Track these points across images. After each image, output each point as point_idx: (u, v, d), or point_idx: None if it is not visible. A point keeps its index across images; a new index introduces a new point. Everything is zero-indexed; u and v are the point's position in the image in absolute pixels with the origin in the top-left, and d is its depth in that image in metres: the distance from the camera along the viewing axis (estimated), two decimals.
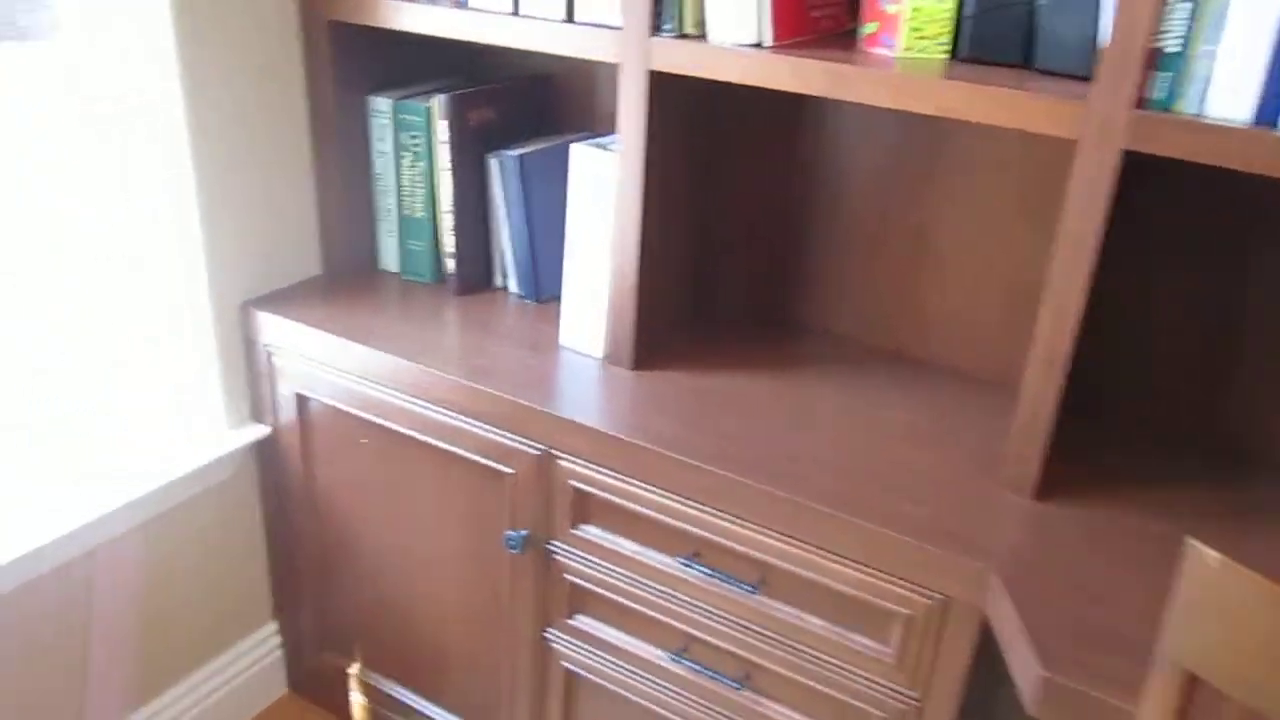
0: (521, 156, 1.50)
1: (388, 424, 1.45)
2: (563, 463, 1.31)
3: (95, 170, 1.42)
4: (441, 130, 1.50)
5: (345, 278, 1.64)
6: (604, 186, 1.33)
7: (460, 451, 1.39)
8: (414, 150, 1.56)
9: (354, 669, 1.62)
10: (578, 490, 1.31)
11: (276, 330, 1.50)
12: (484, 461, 1.38)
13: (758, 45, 1.18)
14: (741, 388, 1.38)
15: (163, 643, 1.57)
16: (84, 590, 1.42)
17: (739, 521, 1.20)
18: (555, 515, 1.35)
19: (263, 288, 1.56)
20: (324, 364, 1.47)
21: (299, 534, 1.66)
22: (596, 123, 1.63)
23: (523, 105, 1.62)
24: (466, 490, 1.43)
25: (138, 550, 1.48)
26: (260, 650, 1.74)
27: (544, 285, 1.59)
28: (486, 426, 1.35)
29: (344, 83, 1.54)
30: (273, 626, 1.76)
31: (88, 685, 1.47)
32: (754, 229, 1.55)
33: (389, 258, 1.66)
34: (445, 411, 1.38)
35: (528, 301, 1.59)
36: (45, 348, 1.43)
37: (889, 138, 1.40)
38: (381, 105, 1.57)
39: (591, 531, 1.33)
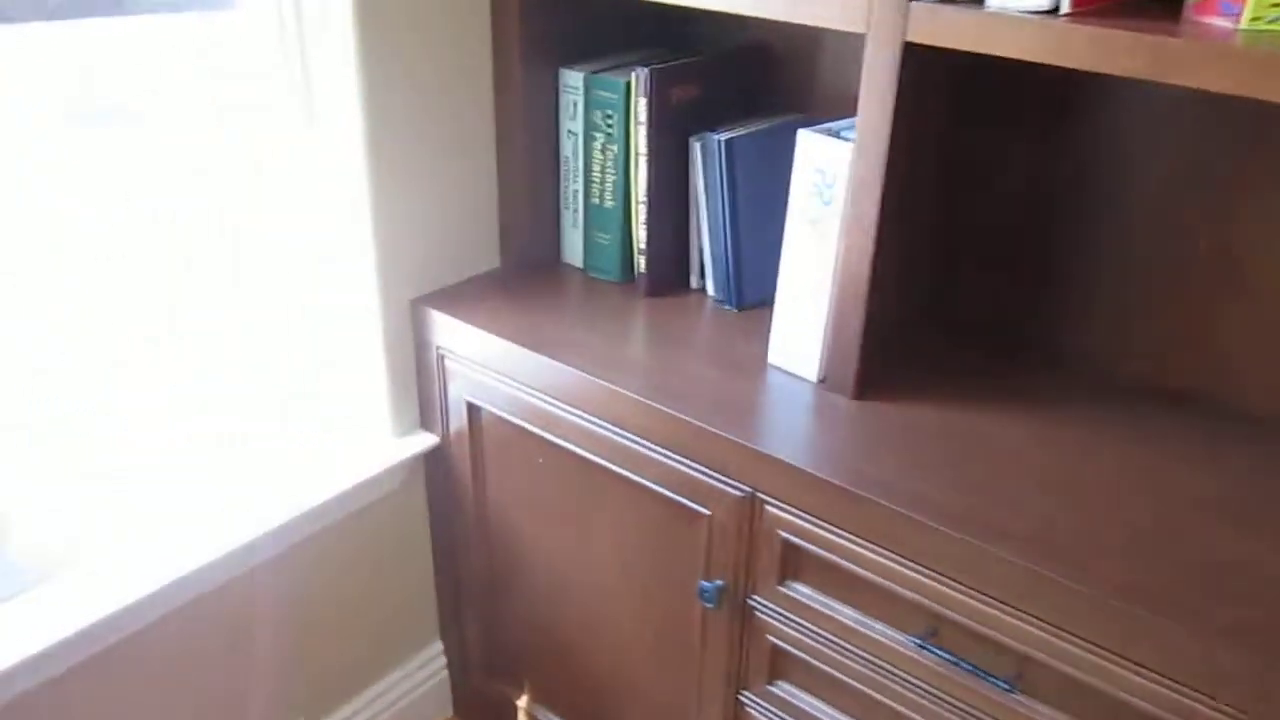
0: (730, 140, 1.30)
1: (567, 445, 1.28)
2: (772, 509, 1.11)
3: (259, 155, 1.29)
4: (640, 109, 1.31)
5: (525, 273, 1.47)
6: (834, 181, 1.11)
7: (649, 484, 1.21)
8: (607, 131, 1.37)
9: (522, 702, 1.48)
10: (788, 542, 1.11)
11: (449, 332, 1.35)
12: (676, 498, 1.19)
13: (1051, 12, 0.93)
14: (988, 429, 1.14)
15: (327, 661, 1.46)
16: (246, 608, 1.31)
17: (992, 601, 0.97)
18: (759, 567, 1.15)
19: (435, 282, 1.41)
20: (499, 373, 1.31)
21: (467, 552, 1.52)
22: (816, 104, 1.40)
23: (730, 81, 1.41)
24: (654, 527, 1.24)
25: (300, 567, 1.37)
26: (426, 670, 1.62)
27: (746, 290, 1.38)
28: (681, 458, 1.16)
29: (532, 52, 1.36)
30: (439, 646, 1.64)
31: (250, 707, 1.37)
32: (1004, 236, 1.30)
33: (573, 251, 1.49)
34: (633, 437, 1.20)
35: (726, 308, 1.39)
36: (210, 350, 1.32)
37: (1188, 135, 1.13)
38: (573, 80, 1.39)
39: (802, 591, 1.13)
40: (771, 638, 1.18)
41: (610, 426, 1.22)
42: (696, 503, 1.17)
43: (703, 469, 1.15)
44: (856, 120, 1.06)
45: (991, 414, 1.17)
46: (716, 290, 1.40)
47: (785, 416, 1.15)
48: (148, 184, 1.20)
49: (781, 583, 1.14)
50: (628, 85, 1.34)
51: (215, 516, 1.27)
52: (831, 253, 1.14)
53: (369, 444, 1.42)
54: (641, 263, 1.40)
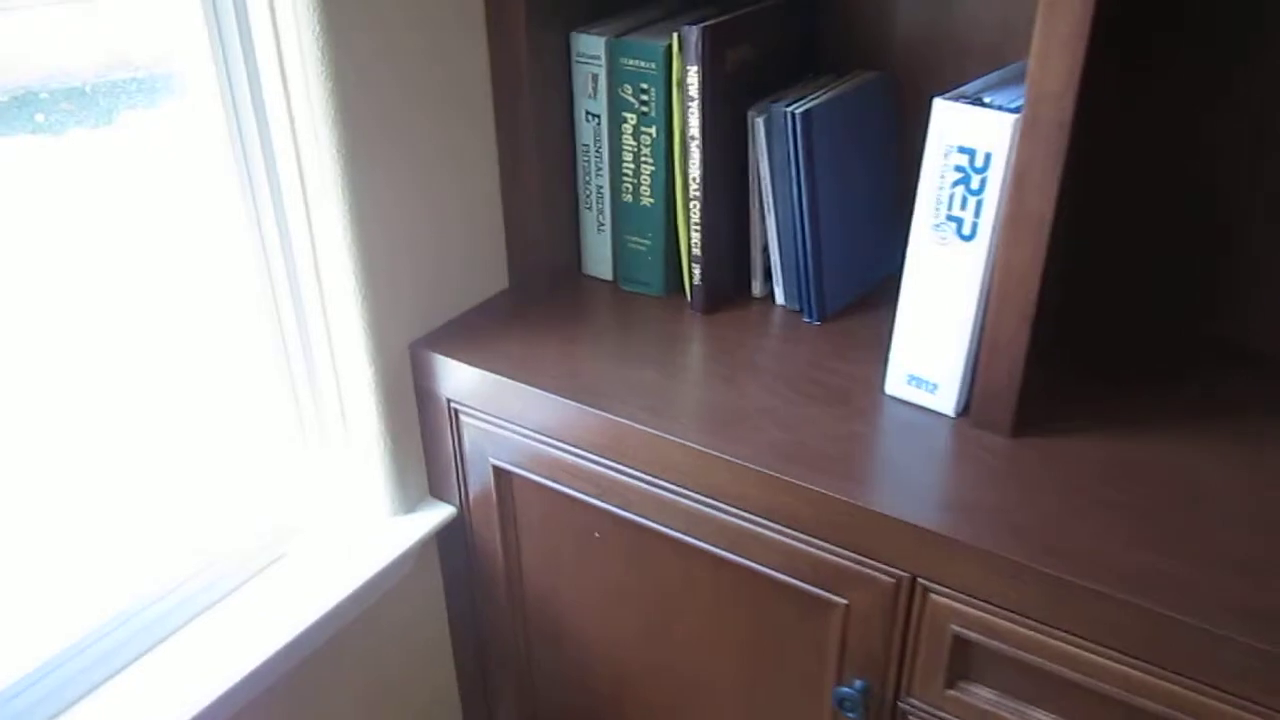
0: (806, 112, 1.02)
1: (633, 516, 1.00)
2: (939, 597, 0.86)
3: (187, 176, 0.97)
4: (691, 80, 1.02)
5: (543, 292, 1.18)
6: (986, 167, 0.85)
7: (755, 566, 0.95)
8: (641, 110, 1.08)
9: None
10: (961, 638, 0.86)
11: (461, 380, 1.06)
12: (797, 584, 0.93)
13: None
14: (1178, 459, 0.91)
15: None
16: None
17: (1234, 699, 0.74)
18: (917, 665, 0.90)
19: (435, 316, 1.11)
20: (533, 430, 1.03)
21: (499, 642, 1.24)
22: (898, 58, 1.13)
23: (786, 35, 1.12)
24: (765, 617, 0.99)
25: (287, 706, 1.08)
26: None
27: (829, 297, 1.11)
28: (803, 536, 0.90)
29: (535, 16, 1.06)
30: None
31: None
32: (1186, 212, 1.05)
33: (599, 260, 1.20)
34: (731, 509, 0.93)
35: (805, 320, 1.12)
36: (131, 422, 1.00)
37: None
38: (590, 46, 1.09)
39: (980, 695, 0.89)
40: None
41: (694, 495, 0.95)
42: (828, 590, 0.92)
43: (836, 549, 0.89)
44: (1028, 77, 0.79)
45: (1177, 439, 0.93)
46: (788, 298, 1.13)
47: (931, 468, 0.89)
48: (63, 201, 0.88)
49: (952, 685, 0.89)
50: (668, 51, 1.04)
51: (175, 660, 0.97)
52: (980, 260, 0.88)
53: (365, 530, 1.12)
54: (696, 272, 1.11)
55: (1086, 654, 0.80)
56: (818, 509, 0.88)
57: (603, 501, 1.03)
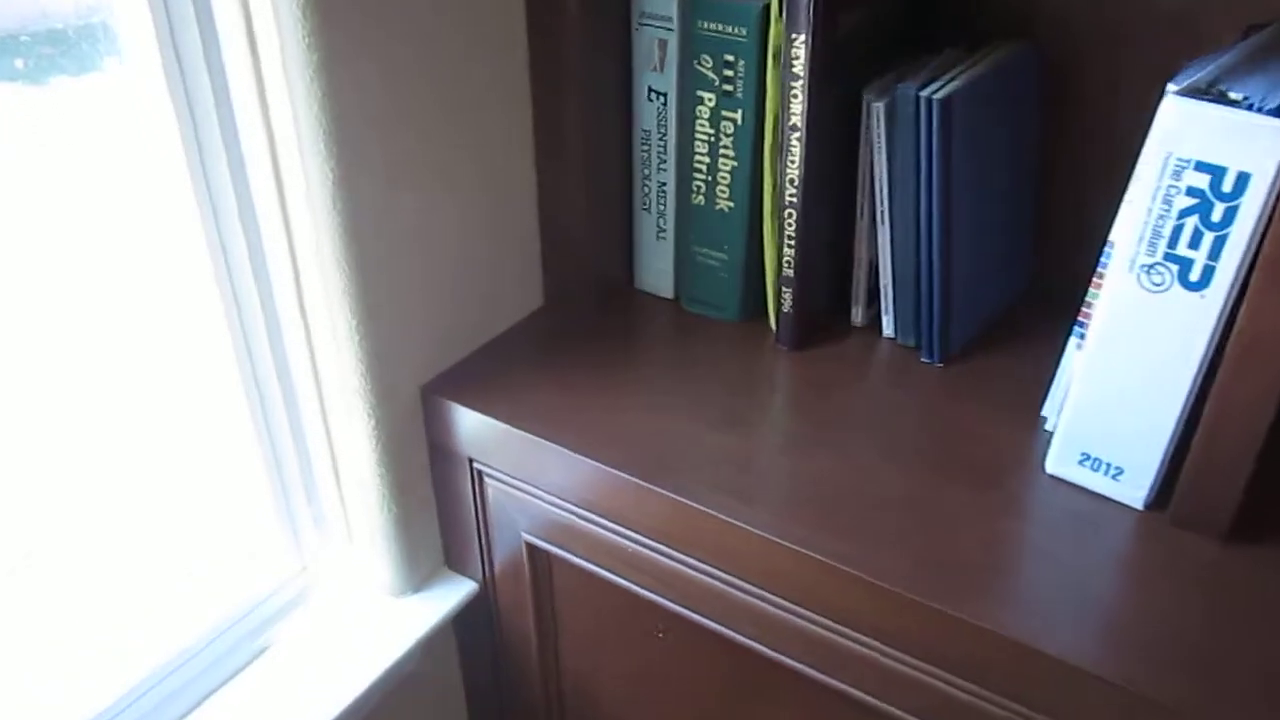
0: (947, 99, 0.77)
1: (699, 618, 0.78)
2: None
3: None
4: (796, 51, 0.77)
5: (585, 313, 0.94)
6: (1240, 192, 0.61)
7: (873, 702, 0.72)
8: (723, 89, 0.83)
9: None
10: None
11: (483, 435, 0.82)
12: None
13: None
14: None
15: None
16: None
17: None
18: None
19: (453, 349, 0.87)
20: (570, 503, 0.80)
21: None
22: (1042, 24, 0.88)
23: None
24: None
25: None
26: None
27: (955, 331, 0.88)
28: (946, 676, 0.68)
29: None
30: None
31: None
32: None
33: (656, 274, 0.96)
34: (842, 630, 0.70)
35: (924, 360, 0.88)
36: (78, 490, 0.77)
37: None
38: (658, 5, 0.84)
39: None
40: None
41: (791, 606, 0.72)
42: None
43: (992, 696, 0.67)
44: None
45: None
46: (901, 331, 0.90)
47: (1131, 592, 0.66)
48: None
49: None
50: (764, 12, 0.79)
51: None
52: (1211, 316, 0.64)
53: (366, 614, 0.90)
54: (786, 297, 0.87)
55: None
56: (970, 644, 0.65)
57: (661, 597, 0.80)
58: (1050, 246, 0.96)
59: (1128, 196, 0.65)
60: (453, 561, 0.94)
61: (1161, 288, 0.65)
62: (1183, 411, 0.68)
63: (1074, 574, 0.68)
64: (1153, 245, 0.65)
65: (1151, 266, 0.65)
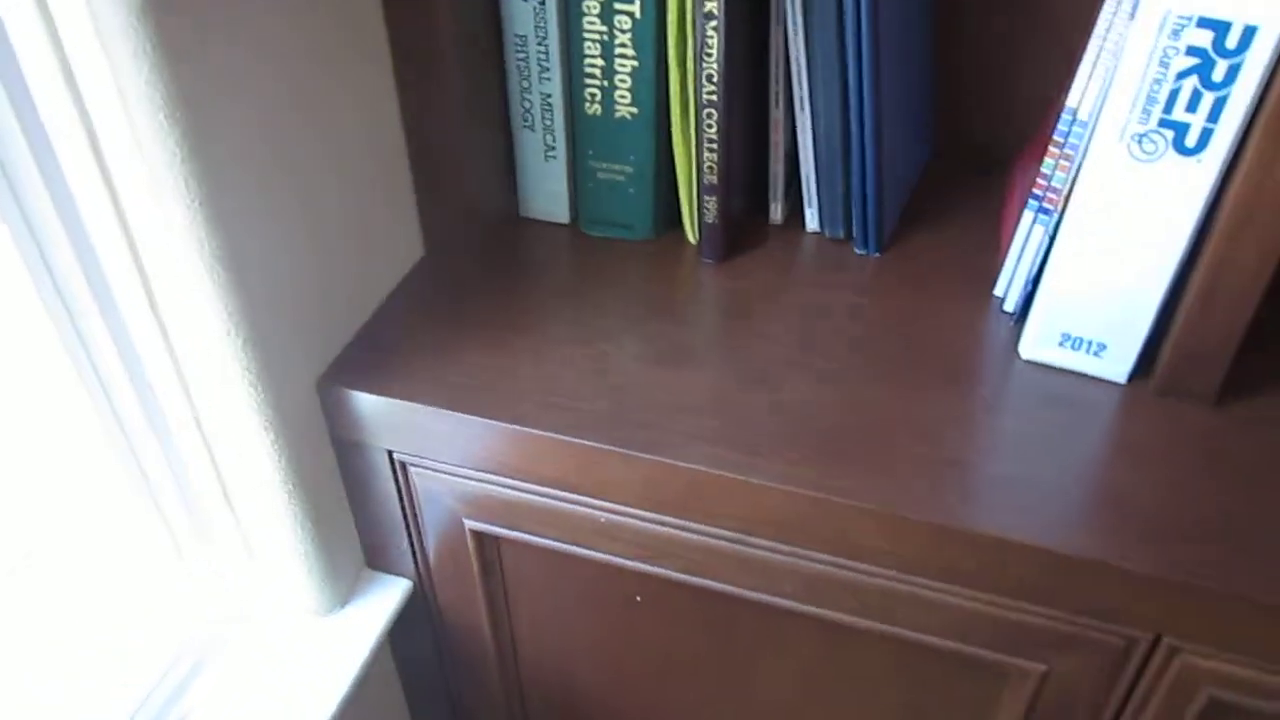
0: None
1: (700, 581, 0.71)
2: (1195, 659, 0.62)
3: None
4: None
5: (473, 259, 0.81)
6: (1243, 50, 0.56)
7: (900, 632, 0.68)
8: None
9: None
10: (1217, 701, 0.64)
11: (400, 422, 0.70)
12: (967, 651, 0.68)
13: None
14: None
15: None
16: None
17: None
18: None
19: (340, 330, 0.73)
20: (530, 484, 0.70)
21: None
22: None
23: None
24: (901, 690, 0.73)
25: None
26: None
27: (887, 218, 0.82)
28: (979, 595, 0.64)
29: None
30: None
31: None
32: None
33: (544, 198, 0.84)
34: (862, 566, 0.66)
35: (858, 253, 0.82)
36: None
37: None
38: None
39: None
40: None
41: (790, 549, 0.66)
42: (1017, 657, 0.67)
43: (1035, 609, 0.64)
44: None
45: None
46: (828, 223, 0.83)
47: (1146, 475, 0.64)
48: None
49: None
50: None
51: None
52: (1206, 182, 0.61)
53: (293, 643, 0.77)
54: (709, 206, 0.78)
55: None
56: (1017, 564, 0.61)
57: (640, 562, 0.72)
58: (948, 115, 0.91)
59: (1123, 64, 0.59)
60: (376, 562, 0.82)
61: (1154, 156, 0.61)
62: (1172, 281, 0.65)
63: (1071, 459, 0.65)
64: (1146, 112, 0.60)
65: (1144, 135, 0.61)
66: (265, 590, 0.78)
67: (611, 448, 0.65)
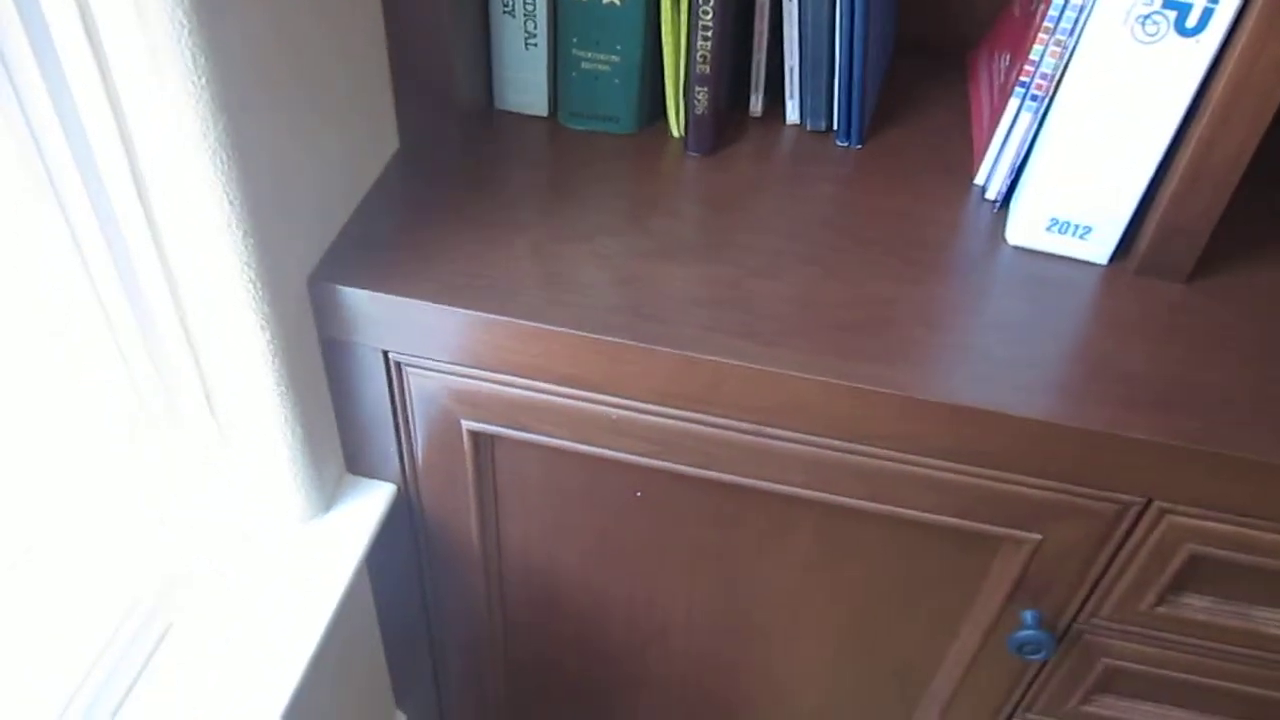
0: None
1: (704, 473, 0.72)
2: (1180, 518, 0.67)
3: None
4: None
5: (453, 151, 0.79)
6: None
7: (906, 512, 0.71)
8: None
9: None
10: (1198, 555, 0.69)
11: (399, 321, 0.68)
12: (968, 525, 0.71)
13: None
14: None
15: None
16: None
17: None
18: (1117, 589, 0.73)
19: (328, 226, 0.70)
20: (537, 381, 0.69)
21: (473, 654, 0.93)
22: None
23: None
24: (904, 567, 0.76)
25: None
26: None
27: (868, 110, 0.82)
28: (982, 471, 0.67)
29: None
30: None
31: None
32: None
33: (522, 88, 0.82)
34: (874, 450, 0.67)
35: (840, 144, 0.83)
36: None
37: None
38: None
39: (1193, 604, 0.73)
40: (1111, 660, 0.78)
41: (802, 437, 0.68)
42: (1015, 528, 0.70)
43: (1034, 481, 0.67)
44: None
45: None
46: (810, 115, 0.83)
47: (1134, 350, 0.68)
48: None
49: (1161, 602, 0.73)
50: None
51: None
52: (1204, 61, 0.63)
53: (284, 558, 0.75)
54: (699, 98, 0.77)
55: None
56: (1022, 439, 0.64)
57: (645, 457, 0.72)
58: (905, 13, 0.92)
59: None
60: (358, 467, 0.80)
61: (1156, 37, 0.63)
62: (1159, 163, 0.68)
63: (1064, 337, 0.68)
64: None
65: (1148, 16, 0.62)
66: (248, 496, 0.75)
67: (631, 342, 0.65)
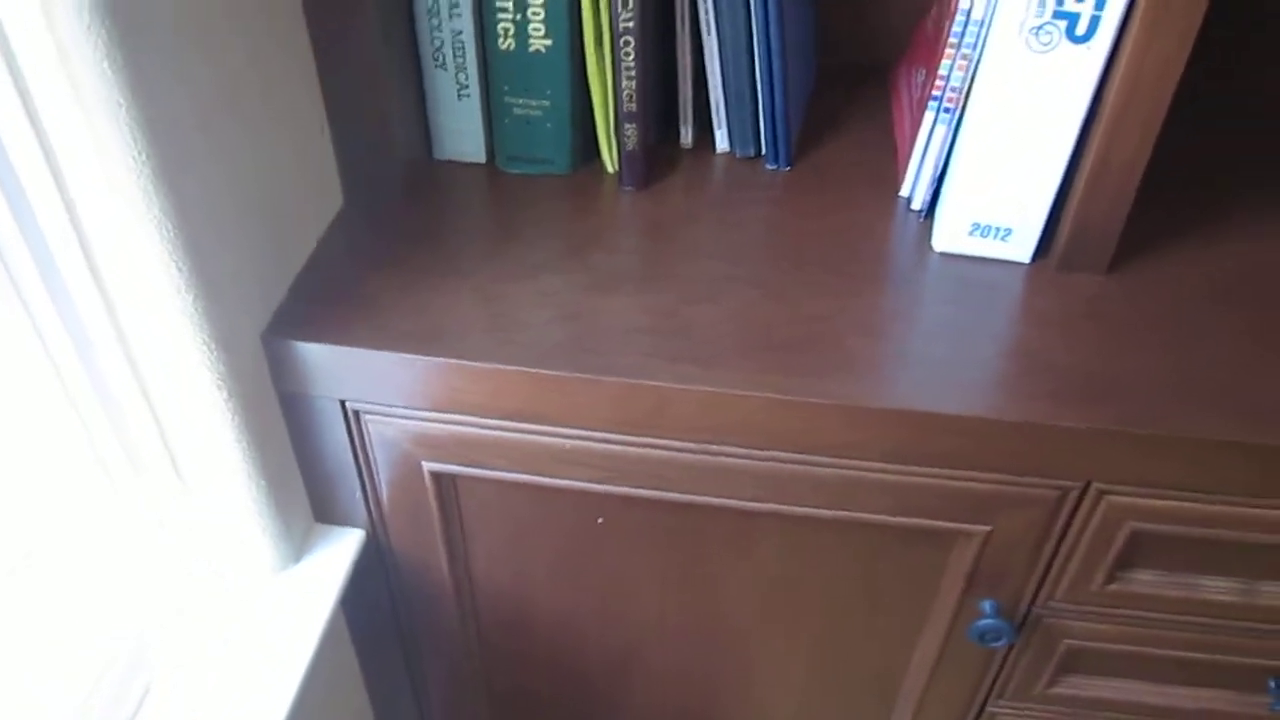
0: None
1: (668, 495, 0.74)
2: (1118, 498, 0.70)
3: None
4: None
5: (397, 204, 0.81)
6: None
7: (860, 516, 0.74)
8: None
9: None
10: (1140, 533, 0.72)
11: (354, 371, 0.70)
12: (920, 523, 0.73)
13: None
14: None
15: None
16: None
17: None
18: (1068, 572, 0.76)
19: (277, 284, 0.72)
20: (490, 419, 0.71)
21: (453, 686, 0.94)
22: None
23: None
24: (863, 569, 0.79)
25: None
26: None
27: (793, 133, 0.86)
28: (929, 470, 0.70)
29: None
30: None
31: None
32: None
33: (458, 138, 0.85)
34: (824, 460, 0.70)
35: (769, 168, 0.86)
36: None
37: None
38: None
39: (1142, 578, 0.76)
40: (1072, 640, 0.81)
41: (750, 452, 0.70)
42: (964, 522, 0.73)
43: (980, 475, 0.70)
44: None
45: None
46: (738, 143, 0.86)
47: (1062, 343, 0.71)
48: None
49: (1111, 580, 0.76)
50: None
51: None
52: (1097, 65, 0.67)
53: (257, 610, 0.76)
54: (629, 134, 0.80)
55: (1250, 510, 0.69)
56: (965, 436, 0.67)
57: (602, 484, 0.75)
58: (826, 35, 0.96)
59: None
60: (325, 515, 0.82)
61: (1050, 46, 0.67)
62: (1067, 164, 0.72)
63: (995, 336, 0.71)
64: (1042, 5, 0.65)
65: (1040, 27, 0.66)
66: (218, 553, 0.77)
67: (576, 374, 0.67)
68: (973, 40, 0.71)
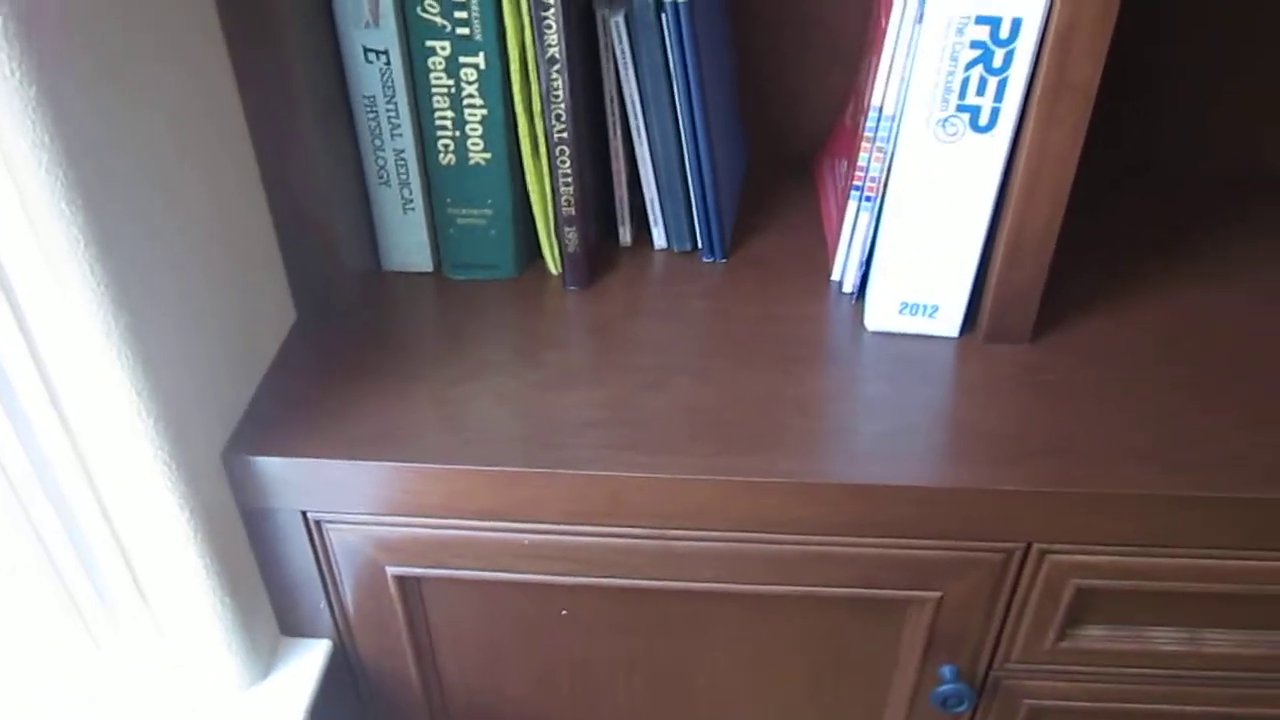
0: (689, 2, 0.77)
1: (621, 582, 0.76)
2: (1060, 557, 0.73)
3: None
4: None
5: (349, 317, 0.84)
6: (1015, 40, 0.68)
7: (813, 590, 0.76)
8: (457, 34, 0.76)
9: None
10: (1084, 589, 0.75)
11: (313, 482, 0.72)
12: (871, 594, 0.76)
13: None
14: (1227, 310, 0.84)
15: None
16: None
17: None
18: (1021, 632, 0.78)
19: (234, 402, 0.74)
20: (450, 519, 0.73)
21: None
22: None
23: None
24: (821, 643, 0.81)
25: None
26: None
27: (728, 229, 0.90)
28: (877, 541, 0.73)
29: None
30: None
31: None
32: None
33: (405, 250, 0.88)
34: (775, 537, 0.73)
35: (706, 260, 0.90)
36: None
37: None
38: None
39: (1092, 634, 0.79)
40: (1033, 700, 0.83)
41: (711, 535, 0.73)
42: (915, 589, 0.75)
43: (926, 543, 0.73)
44: None
45: (1195, 285, 0.87)
46: (675, 239, 0.90)
47: (994, 412, 0.75)
48: None
49: (1063, 638, 0.78)
50: None
51: None
52: (1001, 152, 0.72)
53: None
54: (570, 237, 0.84)
55: (1220, 562, 0.72)
56: (908, 505, 0.70)
57: (563, 575, 0.76)
58: (753, 128, 1.01)
59: (917, 65, 0.70)
60: (291, 628, 0.82)
61: (956, 137, 0.72)
62: (984, 242, 0.76)
63: (930, 408, 0.74)
64: (945, 100, 0.70)
65: (946, 119, 0.71)
66: (184, 672, 0.77)
67: (532, 470, 0.69)
68: (886, 134, 0.76)
